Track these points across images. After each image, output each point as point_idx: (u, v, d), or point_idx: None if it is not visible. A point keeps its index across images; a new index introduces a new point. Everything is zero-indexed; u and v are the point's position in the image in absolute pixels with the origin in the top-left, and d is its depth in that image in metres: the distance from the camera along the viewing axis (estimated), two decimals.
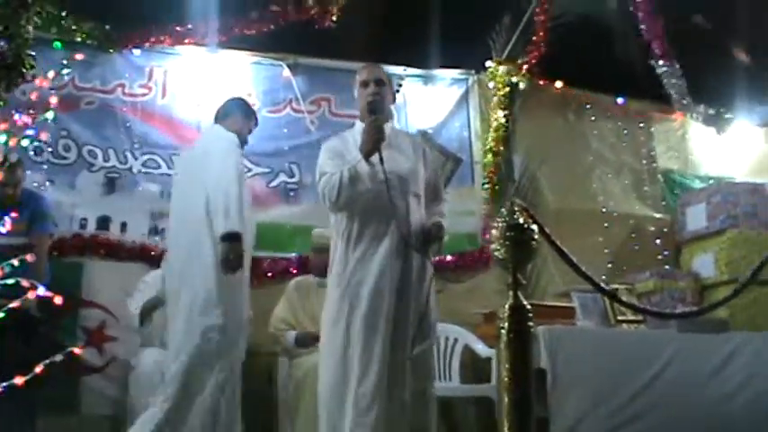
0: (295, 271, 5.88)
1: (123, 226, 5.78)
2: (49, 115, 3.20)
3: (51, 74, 3.19)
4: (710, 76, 7.23)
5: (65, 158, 5.69)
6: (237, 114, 4.69)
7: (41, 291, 2.92)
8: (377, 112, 3.83)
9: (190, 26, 6.13)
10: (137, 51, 6.08)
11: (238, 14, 6.25)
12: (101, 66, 5.97)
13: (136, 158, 5.91)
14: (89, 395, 5.34)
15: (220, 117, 4.70)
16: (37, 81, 3.57)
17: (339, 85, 6.40)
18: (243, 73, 6.37)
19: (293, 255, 6.01)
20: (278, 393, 5.22)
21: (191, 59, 6.24)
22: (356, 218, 3.80)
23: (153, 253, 5.66)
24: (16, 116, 3.01)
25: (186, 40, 6.17)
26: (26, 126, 3.11)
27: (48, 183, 5.57)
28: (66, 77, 5.71)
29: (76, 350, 3.24)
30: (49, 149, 5.63)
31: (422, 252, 3.81)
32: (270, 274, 5.90)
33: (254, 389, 5.14)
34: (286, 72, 6.43)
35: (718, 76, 7.23)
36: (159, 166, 5.96)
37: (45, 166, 5.62)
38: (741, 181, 7.14)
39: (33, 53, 2.99)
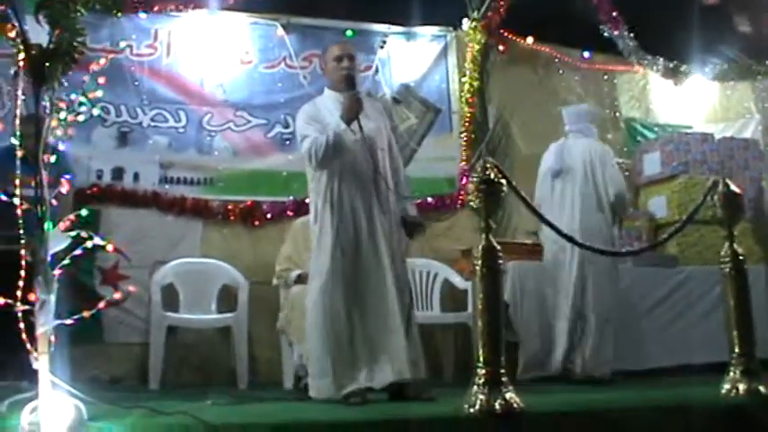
0: (291, 213, 6.39)
1: (136, 176, 6.27)
2: (99, 93, 3.57)
3: (102, 61, 3.53)
4: (668, 32, 7.63)
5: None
6: None
7: (97, 240, 3.19)
8: (354, 85, 4.36)
9: None
10: (142, 15, 6.48)
11: None
12: (109, 28, 6.36)
13: (145, 113, 6.37)
14: (110, 326, 5.90)
15: None
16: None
17: (328, 42, 6.74)
18: (240, 33, 6.79)
19: (290, 198, 6.49)
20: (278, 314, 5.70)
21: (193, 21, 6.64)
22: (336, 176, 4.28)
23: (164, 200, 6.22)
24: (73, 95, 3.45)
25: (187, 6, 6.58)
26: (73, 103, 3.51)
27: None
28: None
29: (117, 296, 3.60)
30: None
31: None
32: (269, 216, 6.46)
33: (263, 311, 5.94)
34: (280, 31, 6.84)
35: (675, 32, 7.66)
36: (167, 120, 6.43)
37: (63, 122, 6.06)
38: (693, 131, 7.69)
39: (83, 40, 3.29)
